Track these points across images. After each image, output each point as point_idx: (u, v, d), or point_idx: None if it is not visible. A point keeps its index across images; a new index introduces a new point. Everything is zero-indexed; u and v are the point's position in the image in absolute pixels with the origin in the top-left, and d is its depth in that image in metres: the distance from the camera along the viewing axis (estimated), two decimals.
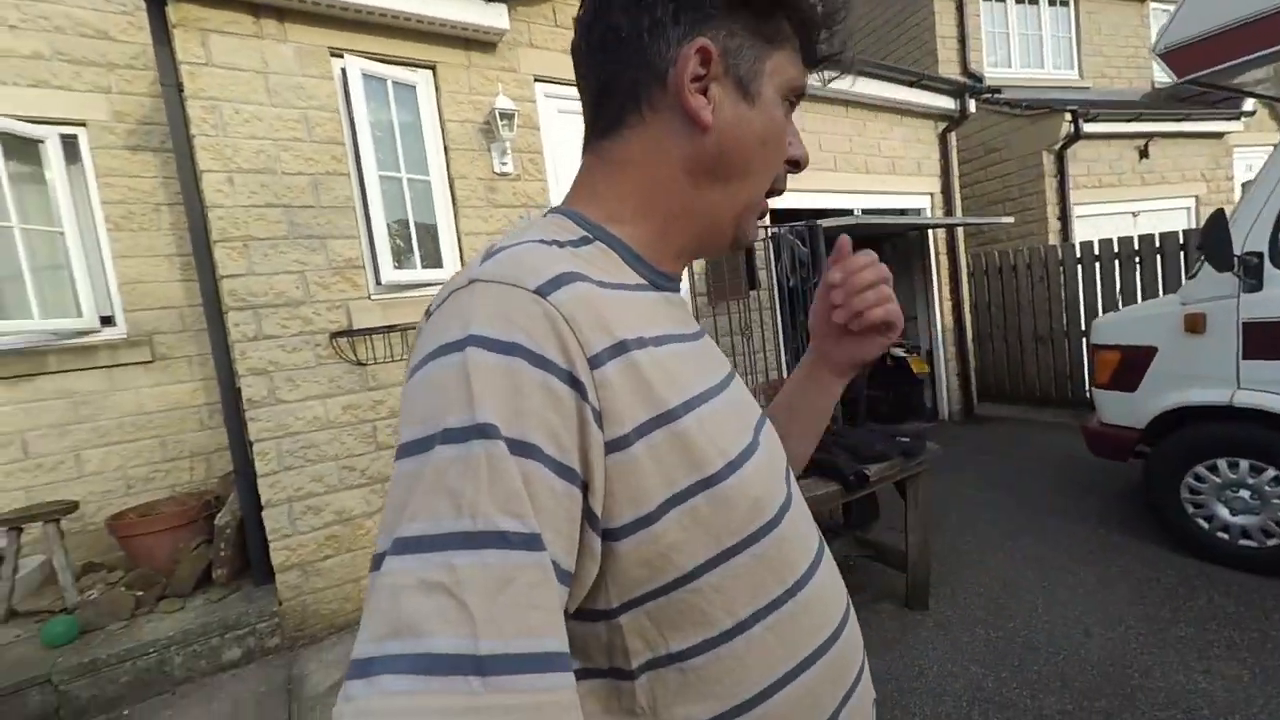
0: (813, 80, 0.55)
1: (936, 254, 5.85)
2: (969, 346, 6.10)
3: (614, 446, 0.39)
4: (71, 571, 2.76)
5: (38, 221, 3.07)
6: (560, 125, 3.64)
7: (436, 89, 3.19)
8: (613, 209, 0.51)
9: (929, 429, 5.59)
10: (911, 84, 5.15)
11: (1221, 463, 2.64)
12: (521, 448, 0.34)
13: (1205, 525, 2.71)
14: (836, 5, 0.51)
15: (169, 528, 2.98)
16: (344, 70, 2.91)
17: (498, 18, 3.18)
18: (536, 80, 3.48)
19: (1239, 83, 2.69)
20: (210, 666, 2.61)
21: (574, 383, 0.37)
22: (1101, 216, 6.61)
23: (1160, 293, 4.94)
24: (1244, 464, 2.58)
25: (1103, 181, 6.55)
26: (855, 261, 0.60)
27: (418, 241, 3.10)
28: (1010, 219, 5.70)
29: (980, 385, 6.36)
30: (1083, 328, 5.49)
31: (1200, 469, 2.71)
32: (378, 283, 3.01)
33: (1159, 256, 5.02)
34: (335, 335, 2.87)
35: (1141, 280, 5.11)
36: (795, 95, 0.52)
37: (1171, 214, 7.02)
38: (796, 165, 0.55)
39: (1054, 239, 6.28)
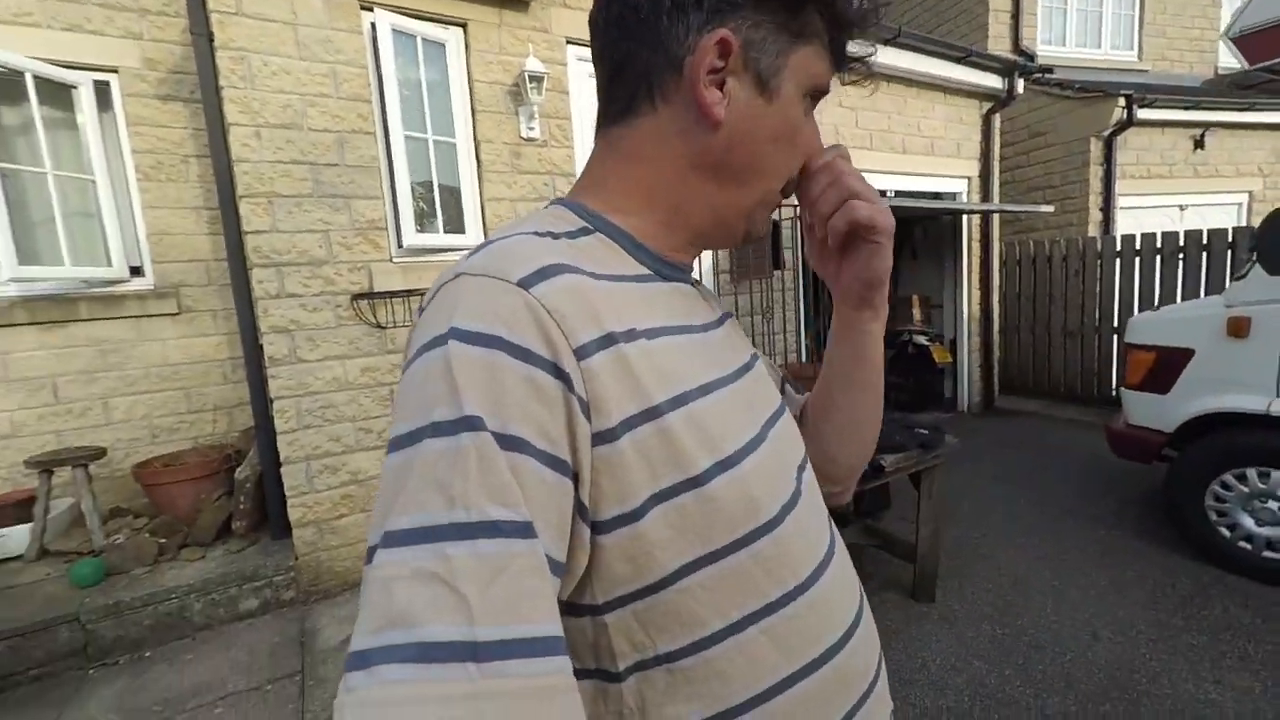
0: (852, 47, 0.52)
1: (969, 241, 5.68)
2: (994, 338, 5.96)
3: (601, 439, 0.39)
4: (99, 515, 2.86)
5: (70, 169, 3.09)
6: (590, 90, 3.54)
7: (466, 47, 3.12)
8: (618, 200, 0.50)
9: (947, 419, 5.52)
10: (959, 60, 4.92)
11: (1251, 472, 2.56)
12: (508, 441, 0.35)
13: (1228, 534, 2.65)
14: (872, 4, 0.49)
15: (192, 478, 3.07)
16: (373, 25, 2.86)
17: None
18: (569, 43, 3.39)
19: None
20: (228, 615, 2.71)
21: (559, 373, 0.37)
22: (1147, 209, 6.33)
23: (1202, 293, 4.75)
24: (1276, 474, 2.50)
25: (1152, 172, 6.25)
26: (808, 165, 0.52)
27: (441, 205, 3.08)
28: (1050, 208, 5.48)
29: (1003, 377, 6.23)
30: (1115, 324, 5.32)
31: (1228, 477, 2.63)
32: (399, 245, 3.00)
33: (1204, 254, 4.81)
34: (356, 297, 2.88)
35: (1184, 279, 4.92)
36: (818, 93, 0.50)
37: (1221, 209, 6.69)
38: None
39: (1094, 230, 6.05)
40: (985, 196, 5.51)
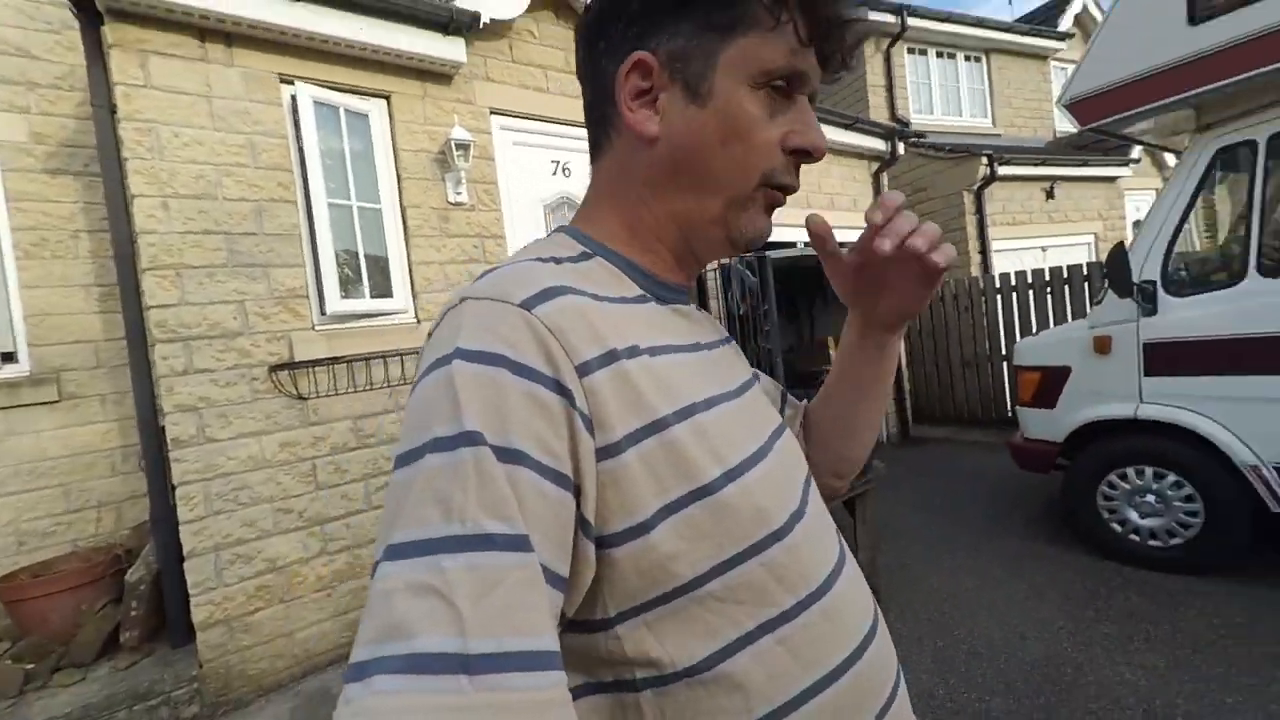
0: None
1: None
2: (904, 371, 6.44)
3: (605, 453, 0.39)
4: None
5: None
6: (515, 157, 3.69)
7: (390, 118, 3.19)
8: (606, 228, 0.52)
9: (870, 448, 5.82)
10: (847, 126, 5.54)
11: (1130, 471, 2.89)
12: (508, 454, 0.35)
13: (1119, 529, 2.95)
14: None
15: (68, 588, 2.70)
16: (294, 97, 2.87)
17: (455, 51, 3.22)
18: (493, 113, 3.53)
19: (1129, 132, 3.05)
20: None
21: (561, 390, 0.38)
22: (1016, 250, 7.19)
23: (1069, 318, 5.39)
24: (1149, 471, 2.83)
25: (1016, 219, 7.15)
26: (893, 198, 0.52)
27: (367, 270, 3.04)
28: None
29: (915, 408, 6.70)
30: (1003, 352, 5.91)
31: (1113, 477, 2.95)
32: (322, 313, 2.92)
33: (1066, 286, 5.50)
34: (275, 368, 2.75)
35: (1052, 308, 5.58)
36: (778, 78, 0.47)
37: (1075, 248, 7.72)
38: (806, 155, 0.49)
39: (976, 271, 6.78)
40: None
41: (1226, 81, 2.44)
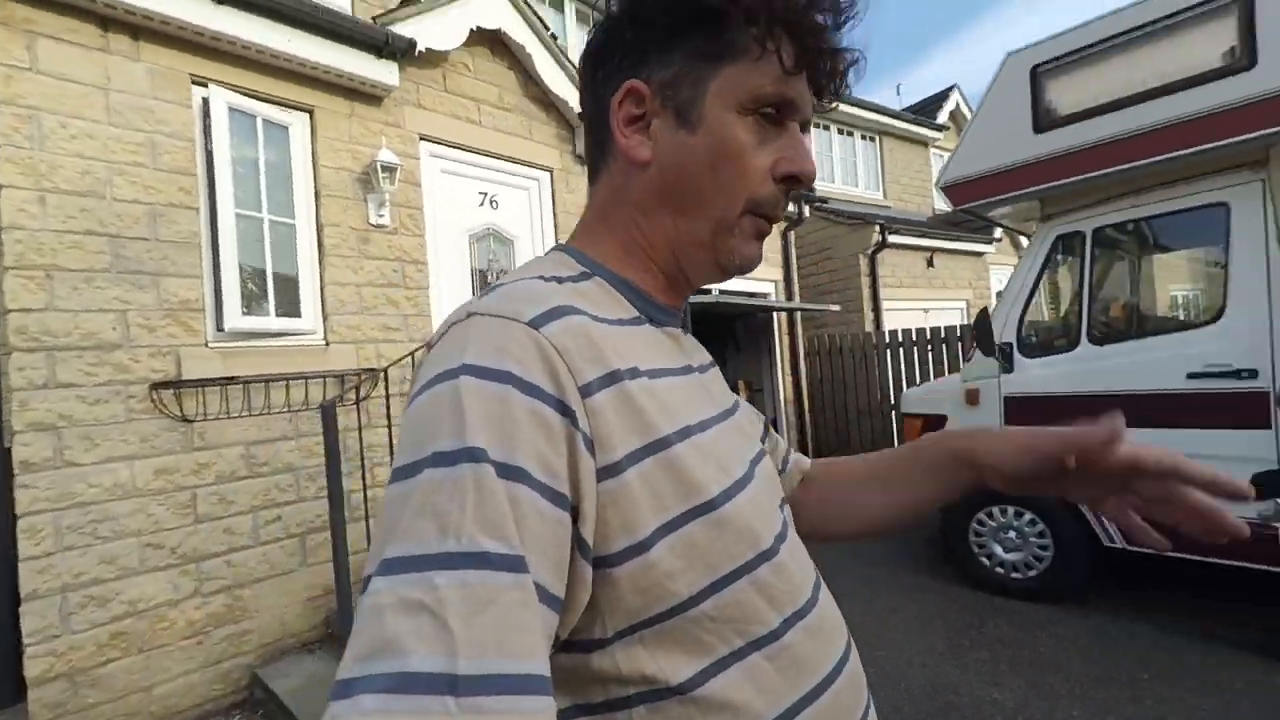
0: None
1: (779, 334, 6.64)
2: (807, 416, 6.87)
3: (606, 473, 0.39)
4: None
5: None
6: (443, 185, 3.67)
7: (313, 133, 3.08)
8: (604, 248, 0.54)
9: None
10: None
11: (995, 509, 3.26)
12: (509, 471, 0.35)
13: (987, 563, 3.29)
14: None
15: None
16: (206, 100, 2.72)
17: (387, 74, 3.20)
18: (422, 139, 3.51)
19: (992, 215, 3.58)
20: None
21: (564, 410, 0.38)
22: (903, 311, 7.99)
23: (946, 373, 6.04)
24: (1010, 509, 3.21)
25: (903, 282, 7.97)
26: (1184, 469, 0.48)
27: (274, 287, 2.87)
28: (837, 307, 6.69)
29: (816, 452, 7.12)
30: (893, 401, 6.48)
31: (981, 515, 3.31)
32: (219, 329, 2.70)
33: (944, 344, 6.19)
34: (157, 386, 2.50)
35: (933, 362, 6.23)
36: (767, 105, 0.48)
37: (950, 312, 8.71)
38: (795, 181, 0.50)
39: (869, 327, 7.45)
40: (789, 296, 6.56)
41: (1062, 182, 2.95)
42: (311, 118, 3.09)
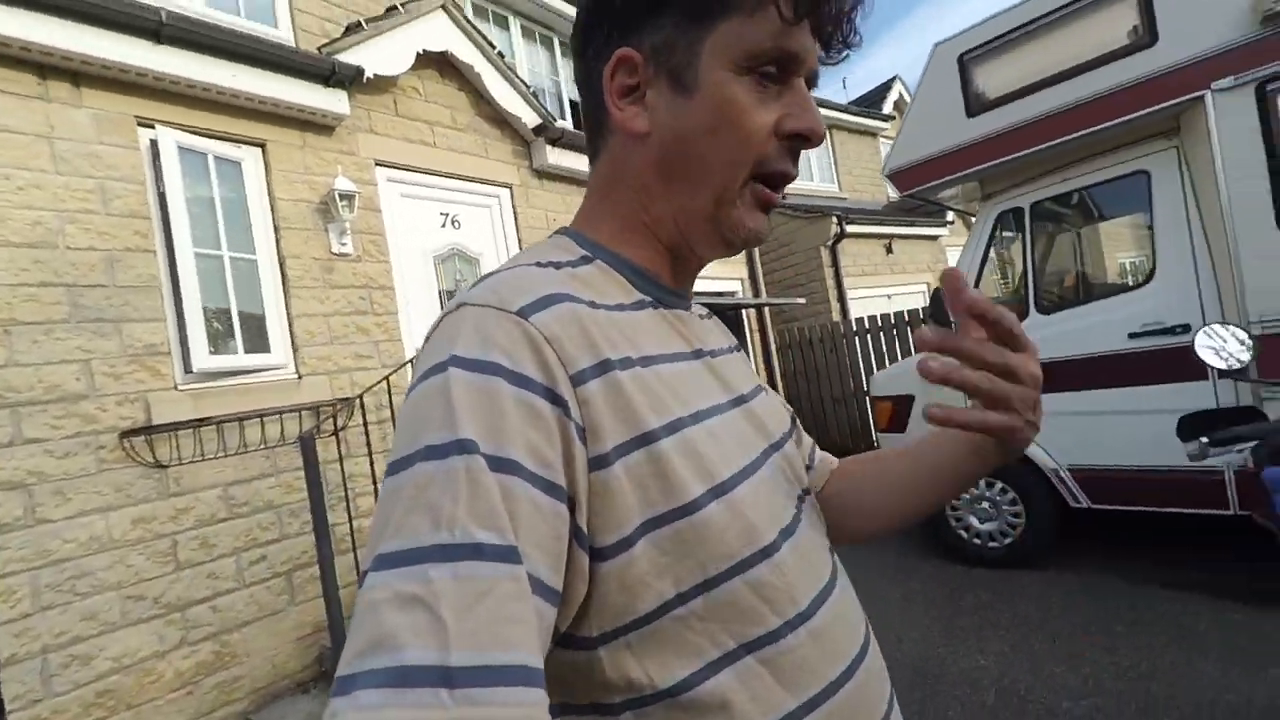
0: None
1: (750, 331, 6.76)
2: None
3: (596, 464, 0.39)
4: None
5: None
6: (403, 209, 3.68)
7: (266, 166, 3.08)
8: (606, 229, 0.52)
9: None
10: None
11: None
12: (501, 463, 0.35)
13: (965, 535, 3.41)
14: None
15: None
16: (154, 141, 2.70)
17: (337, 103, 3.21)
18: (378, 164, 3.52)
19: (938, 198, 3.73)
20: None
21: (555, 399, 0.38)
22: (867, 299, 8.21)
23: (912, 354, 6.23)
24: (982, 481, 3.34)
25: (864, 271, 8.19)
26: (976, 308, 0.45)
27: (240, 324, 2.85)
28: (803, 300, 6.86)
29: None
30: (865, 387, 6.65)
31: None
32: (187, 370, 2.68)
33: (908, 327, 6.38)
34: (128, 434, 2.46)
35: (899, 346, 6.42)
36: (767, 62, 0.45)
37: (913, 295, 8.97)
38: (804, 139, 0.47)
39: (836, 316, 7.63)
40: (756, 293, 6.69)
41: (995, 162, 3.11)
42: (264, 151, 3.08)
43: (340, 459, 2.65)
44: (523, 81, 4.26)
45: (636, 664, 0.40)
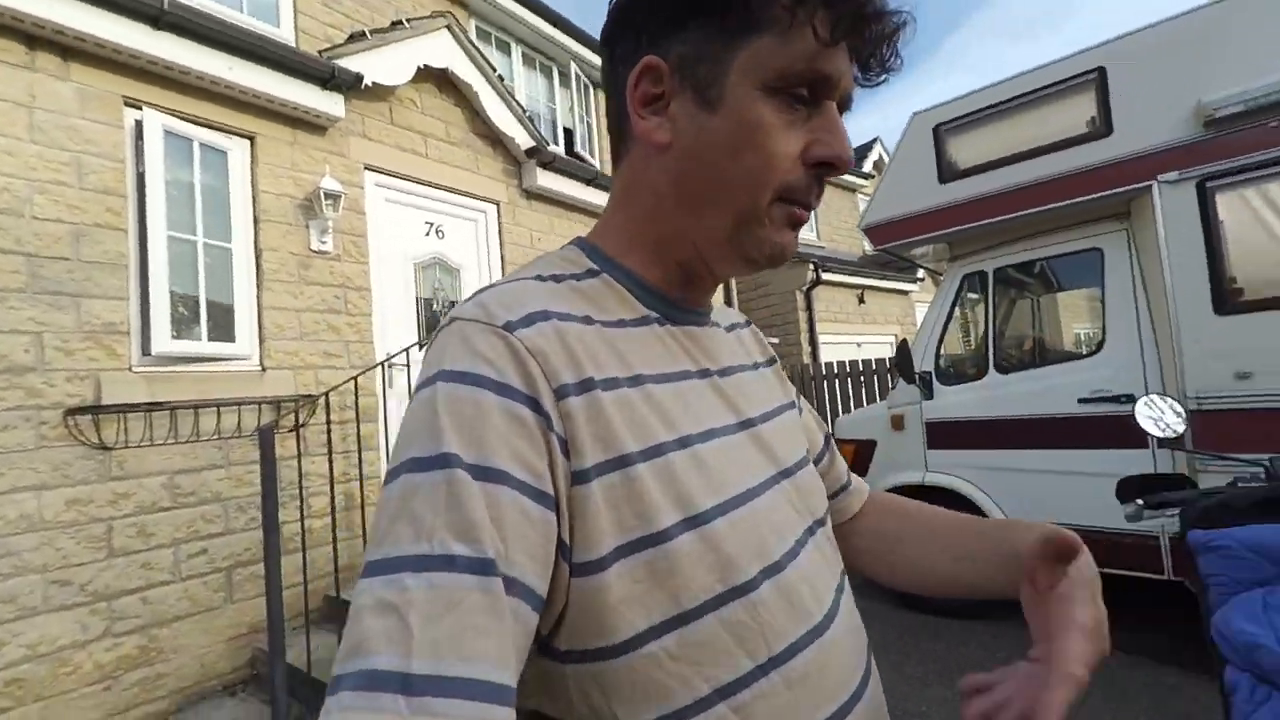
0: None
1: None
2: None
3: (576, 479, 0.39)
4: None
5: None
6: (388, 214, 3.69)
7: (253, 159, 3.06)
8: (618, 241, 0.51)
9: None
10: None
11: None
12: (487, 473, 0.35)
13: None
14: None
15: None
16: (139, 122, 2.68)
17: (333, 105, 3.23)
18: (367, 169, 3.54)
19: (910, 255, 3.91)
20: None
21: (538, 409, 0.38)
22: (837, 344, 8.43)
23: (877, 400, 6.39)
24: None
25: (837, 318, 8.43)
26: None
27: (207, 311, 2.79)
28: (775, 340, 7.01)
29: None
30: (830, 429, 6.76)
31: None
32: (146, 353, 2.60)
33: (875, 376, 6.56)
34: (73, 411, 2.37)
35: (866, 392, 6.59)
36: (798, 84, 0.43)
37: (882, 345, 9.23)
38: (830, 168, 0.45)
39: (806, 359, 7.80)
40: None
41: (963, 227, 3.30)
42: (253, 144, 3.07)
43: (299, 456, 2.58)
44: (519, 105, 4.35)
45: (601, 697, 0.39)
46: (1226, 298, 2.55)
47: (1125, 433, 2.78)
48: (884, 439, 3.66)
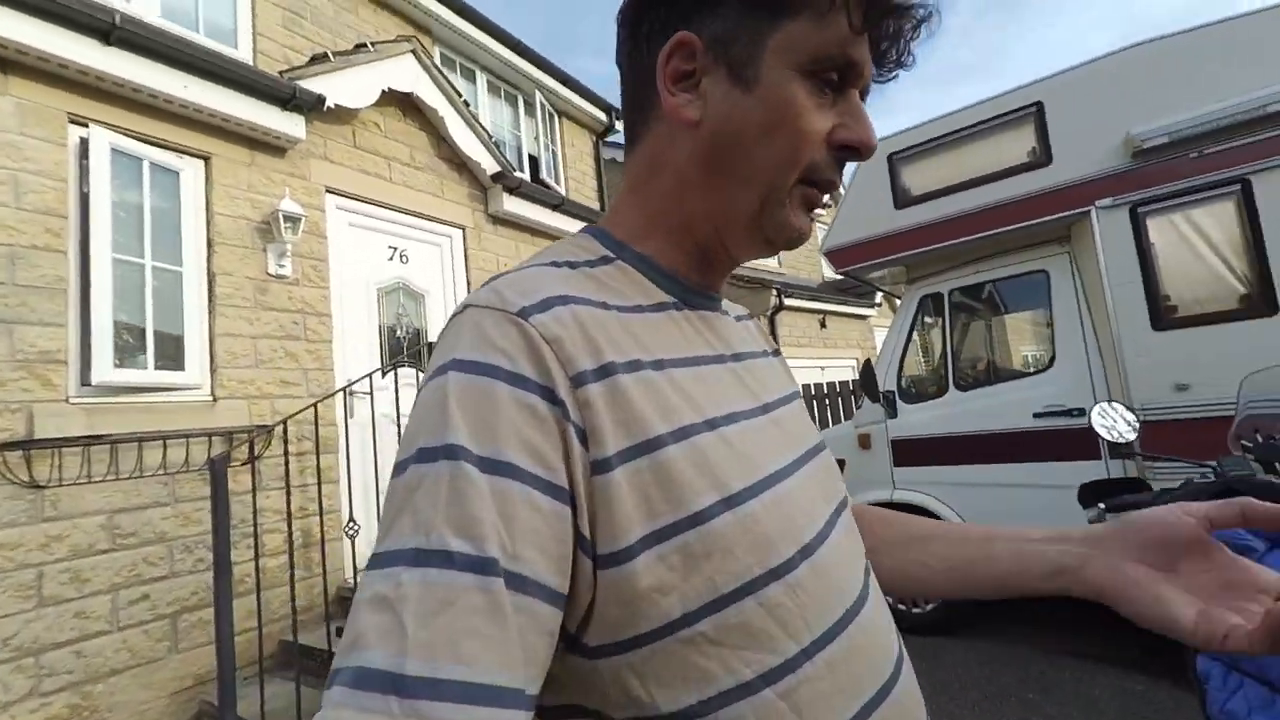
0: None
1: None
2: None
3: (597, 468, 0.37)
4: None
5: None
6: (350, 237, 3.61)
7: (208, 180, 2.96)
8: (633, 225, 0.50)
9: None
10: None
11: None
12: (496, 465, 0.34)
13: (891, 601, 3.48)
14: None
15: None
16: (84, 140, 2.56)
17: (293, 127, 3.17)
18: (329, 191, 3.46)
19: (869, 278, 4.05)
20: None
21: (554, 400, 0.37)
22: (802, 368, 8.60)
23: (843, 420, 6.52)
24: None
25: (800, 342, 8.62)
26: None
27: (154, 338, 2.64)
28: None
29: None
30: None
31: None
32: (85, 383, 2.44)
33: (839, 397, 6.71)
34: (1, 447, 2.19)
35: (831, 414, 6.72)
36: (831, 68, 0.44)
37: (844, 369, 9.48)
38: (854, 152, 0.46)
39: None
40: None
41: (918, 250, 3.45)
42: (208, 164, 2.97)
43: (253, 490, 2.43)
44: (485, 130, 4.36)
45: (640, 684, 0.37)
46: (1162, 314, 2.73)
47: (1080, 444, 2.91)
48: (852, 458, 3.71)
